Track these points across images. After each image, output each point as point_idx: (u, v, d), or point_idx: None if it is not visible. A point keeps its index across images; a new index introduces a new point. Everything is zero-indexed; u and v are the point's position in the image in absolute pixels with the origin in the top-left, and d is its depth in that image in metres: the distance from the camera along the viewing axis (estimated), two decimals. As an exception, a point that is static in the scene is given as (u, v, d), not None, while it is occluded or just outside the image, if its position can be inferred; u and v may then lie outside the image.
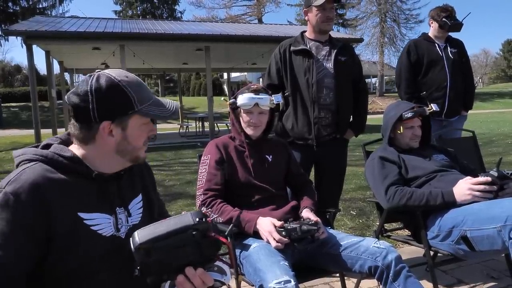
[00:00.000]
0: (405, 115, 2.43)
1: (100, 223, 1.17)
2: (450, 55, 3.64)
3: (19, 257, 1.04)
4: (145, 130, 1.25)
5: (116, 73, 1.20)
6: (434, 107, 2.64)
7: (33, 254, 1.07)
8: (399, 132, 2.47)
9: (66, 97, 1.20)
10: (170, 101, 1.29)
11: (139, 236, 1.01)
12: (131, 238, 1.03)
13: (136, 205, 1.32)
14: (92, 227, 1.15)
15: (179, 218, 1.05)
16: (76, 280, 1.13)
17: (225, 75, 26.08)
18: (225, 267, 1.13)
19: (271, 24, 21.19)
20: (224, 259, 1.14)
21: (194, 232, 1.02)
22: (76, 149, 1.22)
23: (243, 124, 2.12)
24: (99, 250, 1.16)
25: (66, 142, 1.27)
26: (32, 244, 1.06)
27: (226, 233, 1.11)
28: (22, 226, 1.04)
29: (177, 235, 1.02)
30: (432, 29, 3.73)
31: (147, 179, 1.43)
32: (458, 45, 3.74)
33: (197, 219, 1.03)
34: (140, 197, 1.35)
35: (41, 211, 1.06)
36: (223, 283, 1.13)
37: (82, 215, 1.14)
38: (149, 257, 1.01)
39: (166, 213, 1.51)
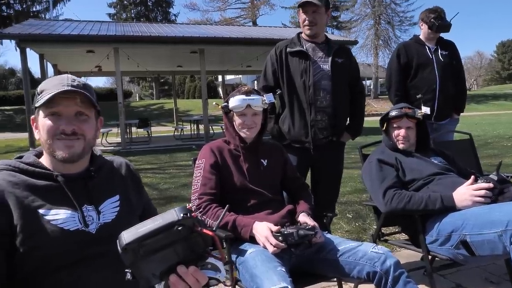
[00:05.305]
0: (391, 114, 2.43)
1: (62, 217, 1.23)
2: (441, 58, 3.59)
3: None
4: (50, 121, 1.25)
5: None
6: (425, 110, 2.64)
7: (4, 247, 1.14)
8: (386, 130, 2.50)
9: None
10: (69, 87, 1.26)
11: (125, 237, 0.97)
12: (117, 241, 0.99)
13: (111, 204, 1.36)
14: (52, 222, 1.21)
15: (163, 216, 1.01)
16: (46, 275, 1.17)
17: (220, 78, 26.08)
18: (219, 264, 1.09)
19: (266, 26, 21.23)
20: (216, 255, 1.10)
21: (179, 228, 0.98)
22: (44, 156, 1.32)
23: (236, 128, 2.08)
24: (63, 243, 1.20)
25: (41, 153, 1.36)
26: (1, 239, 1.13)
27: (214, 228, 1.07)
28: None
29: (163, 233, 0.98)
30: (422, 31, 3.70)
31: (129, 182, 1.47)
32: (450, 47, 3.68)
33: (182, 215, 0.99)
34: (117, 197, 1.38)
35: (2, 208, 1.16)
36: (218, 280, 1.10)
37: (42, 211, 1.21)
38: (137, 257, 0.97)
39: None
